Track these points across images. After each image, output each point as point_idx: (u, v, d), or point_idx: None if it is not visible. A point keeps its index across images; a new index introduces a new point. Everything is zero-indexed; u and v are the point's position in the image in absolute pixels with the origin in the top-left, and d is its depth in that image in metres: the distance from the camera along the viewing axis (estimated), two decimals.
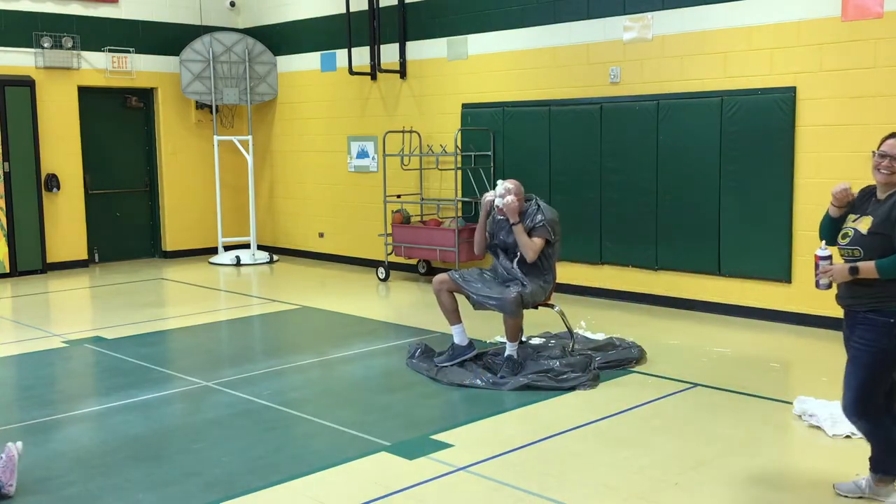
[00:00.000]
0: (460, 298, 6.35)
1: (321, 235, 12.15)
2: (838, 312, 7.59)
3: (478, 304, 6.24)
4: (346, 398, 5.85)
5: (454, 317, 6.37)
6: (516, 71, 9.52)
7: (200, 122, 12.63)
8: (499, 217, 6.32)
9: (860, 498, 4.01)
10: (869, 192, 3.93)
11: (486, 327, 7.18)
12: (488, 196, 6.30)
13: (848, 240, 3.86)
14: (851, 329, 3.91)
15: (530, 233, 6.15)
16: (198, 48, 11.98)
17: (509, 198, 6.10)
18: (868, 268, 3.74)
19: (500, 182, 6.25)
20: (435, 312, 6.77)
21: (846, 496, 4.04)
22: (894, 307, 3.74)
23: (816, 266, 3.92)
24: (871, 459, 4.00)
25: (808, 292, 7.53)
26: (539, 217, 6.17)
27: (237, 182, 12.85)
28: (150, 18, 12.09)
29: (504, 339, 6.33)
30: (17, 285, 10.45)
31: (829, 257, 3.90)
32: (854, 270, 3.78)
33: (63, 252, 11.53)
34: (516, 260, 6.24)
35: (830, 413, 4.99)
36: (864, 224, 3.82)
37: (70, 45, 11.34)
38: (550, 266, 6.29)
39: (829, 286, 3.95)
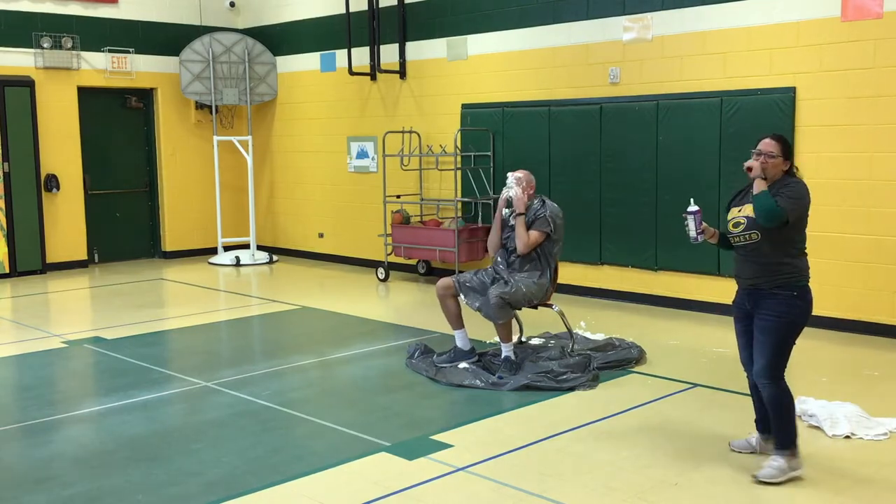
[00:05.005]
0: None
1: (321, 236, 12.15)
2: (837, 313, 7.60)
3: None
4: (346, 398, 5.85)
5: (457, 322, 6.38)
6: (516, 71, 9.52)
7: (200, 123, 12.63)
8: (507, 216, 6.35)
9: (752, 454, 4.59)
10: (746, 189, 4.49)
11: (486, 327, 7.17)
12: (504, 194, 6.34)
13: (742, 227, 4.34)
14: (756, 304, 4.35)
15: (531, 225, 6.18)
16: (197, 48, 11.98)
17: (516, 189, 6.20)
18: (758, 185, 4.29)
19: (510, 174, 6.32)
20: (434, 313, 6.78)
21: (739, 452, 4.62)
22: (794, 282, 4.26)
23: (698, 222, 4.42)
24: (756, 421, 4.59)
25: None
26: (542, 211, 6.21)
27: (237, 182, 12.86)
28: (149, 19, 12.10)
29: None
30: (16, 285, 10.45)
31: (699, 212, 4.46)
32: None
33: (63, 252, 11.53)
34: (513, 254, 6.26)
35: (830, 413, 5.00)
36: (750, 210, 4.30)
37: (70, 45, 11.34)
38: (548, 264, 6.29)
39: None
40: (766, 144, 4.34)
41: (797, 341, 4.33)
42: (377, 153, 11.01)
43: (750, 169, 4.34)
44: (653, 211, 8.46)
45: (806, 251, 4.38)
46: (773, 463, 4.29)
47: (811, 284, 4.34)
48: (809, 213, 4.38)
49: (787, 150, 4.37)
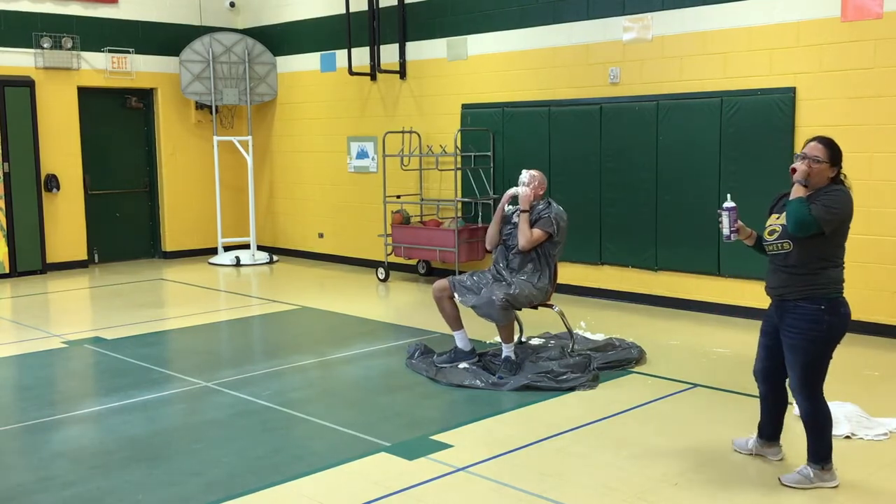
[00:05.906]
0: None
1: (321, 236, 12.15)
2: None
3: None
4: (346, 399, 5.85)
5: (456, 323, 6.38)
6: (516, 71, 9.52)
7: (200, 123, 12.63)
8: (510, 213, 6.36)
9: (749, 454, 4.58)
10: (784, 194, 4.25)
11: (486, 327, 7.17)
12: (511, 190, 6.36)
13: (776, 235, 4.16)
14: (781, 318, 4.18)
15: (534, 224, 6.20)
16: (197, 48, 11.98)
17: (524, 188, 6.22)
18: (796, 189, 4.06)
19: (524, 171, 6.34)
20: (435, 313, 6.77)
21: (739, 452, 4.60)
22: (823, 294, 4.05)
23: (732, 219, 4.27)
24: (760, 425, 4.54)
25: None
26: (547, 212, 6.22)
27: (237, 182, 12.85)
28: (149, 19, 12.10)
29: None
30: (16, 286, 10.45)
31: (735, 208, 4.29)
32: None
33: (63, 252, 11.52)
34: (513, 251, 6.27)
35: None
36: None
37: (70, 45, 11.34)
38: (547, 265, 6.29)
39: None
40: (812, 148, 4.07)
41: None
42: (377, 153, 11.01)
43: (795, 171, 4.08)
44: (653, 211, 8.46)
45: (843, 263, 4.14)
46: (803, 470, 4.20)
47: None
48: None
49: (836, 155, 4.08)
